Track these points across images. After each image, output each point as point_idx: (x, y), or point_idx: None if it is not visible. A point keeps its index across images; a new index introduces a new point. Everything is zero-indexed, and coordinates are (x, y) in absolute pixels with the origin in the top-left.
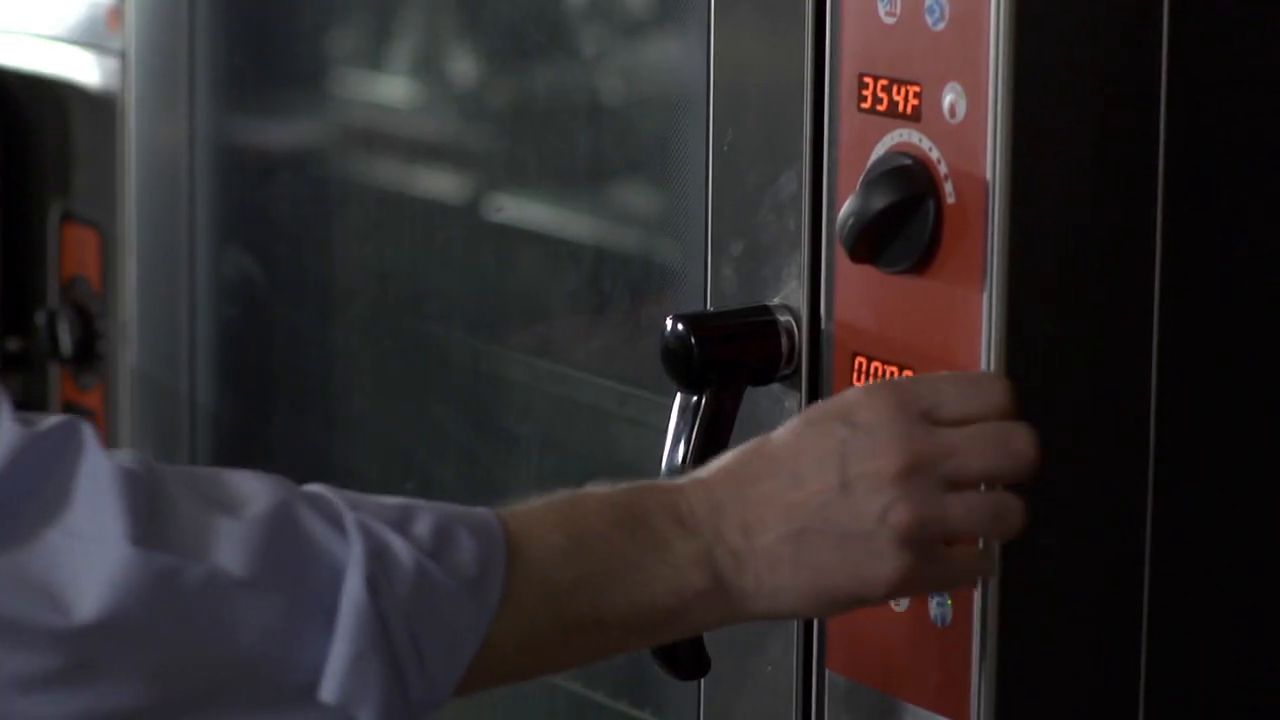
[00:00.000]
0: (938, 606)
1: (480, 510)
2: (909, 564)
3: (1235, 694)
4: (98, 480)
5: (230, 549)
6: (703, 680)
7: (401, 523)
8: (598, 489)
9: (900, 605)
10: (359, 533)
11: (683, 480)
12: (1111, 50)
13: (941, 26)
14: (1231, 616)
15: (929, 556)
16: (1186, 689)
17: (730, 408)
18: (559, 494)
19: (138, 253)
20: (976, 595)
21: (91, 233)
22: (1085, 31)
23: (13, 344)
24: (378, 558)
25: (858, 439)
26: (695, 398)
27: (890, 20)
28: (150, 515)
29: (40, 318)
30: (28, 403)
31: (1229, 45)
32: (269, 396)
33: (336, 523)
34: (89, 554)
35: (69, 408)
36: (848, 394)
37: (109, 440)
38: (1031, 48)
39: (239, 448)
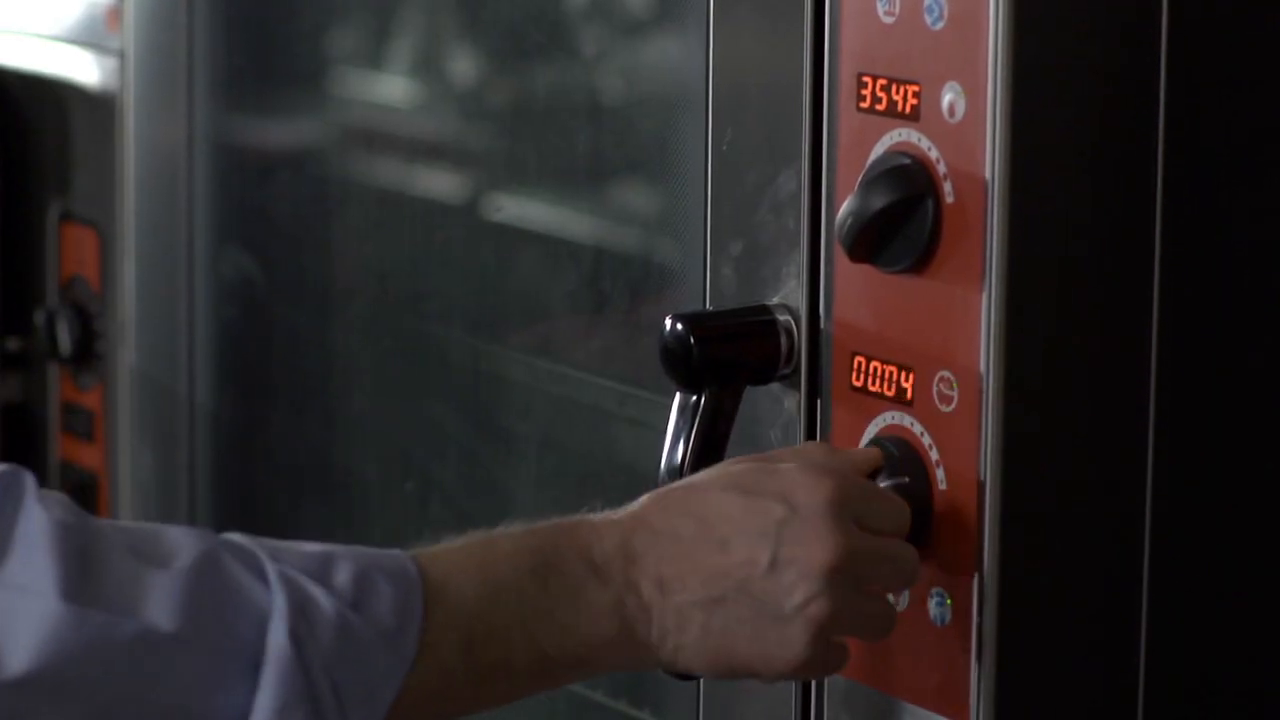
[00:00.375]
0: (937, 606)
1: (397, 556)
2: (813, 655)
3: (1235, 693)
4: (34, 533)
5: (159, 603)
6: (702, 680)
7: (322, 573)
8: (513, 531)
9: (900, 605)
10: (281, 584)
11: (599, 520)
12: (1111, 49)
13: (940, 26)
14: (1231, 616)
15: (827, 648)
16: (1185, 688)
17: (730, 407)
18: (475, 537)
19: (137, 252)
20: (975, 595)
21: (90, 232)
22: (1084, 31)
23: (12, 344)
24: (300, 610)
25: (795, 522)
26: (695, 397)
27: (889, 20)
28: (82, 570)
29: (39, 317)
30: (27, 403)
31: (1228, 44)
32: (268, 396)
33: (260, 574)
34: (22, 607)
35: (68, 408)
36: (792, 472)
37: (109, 440)
38: (1030, 47)
39: (238, 448)
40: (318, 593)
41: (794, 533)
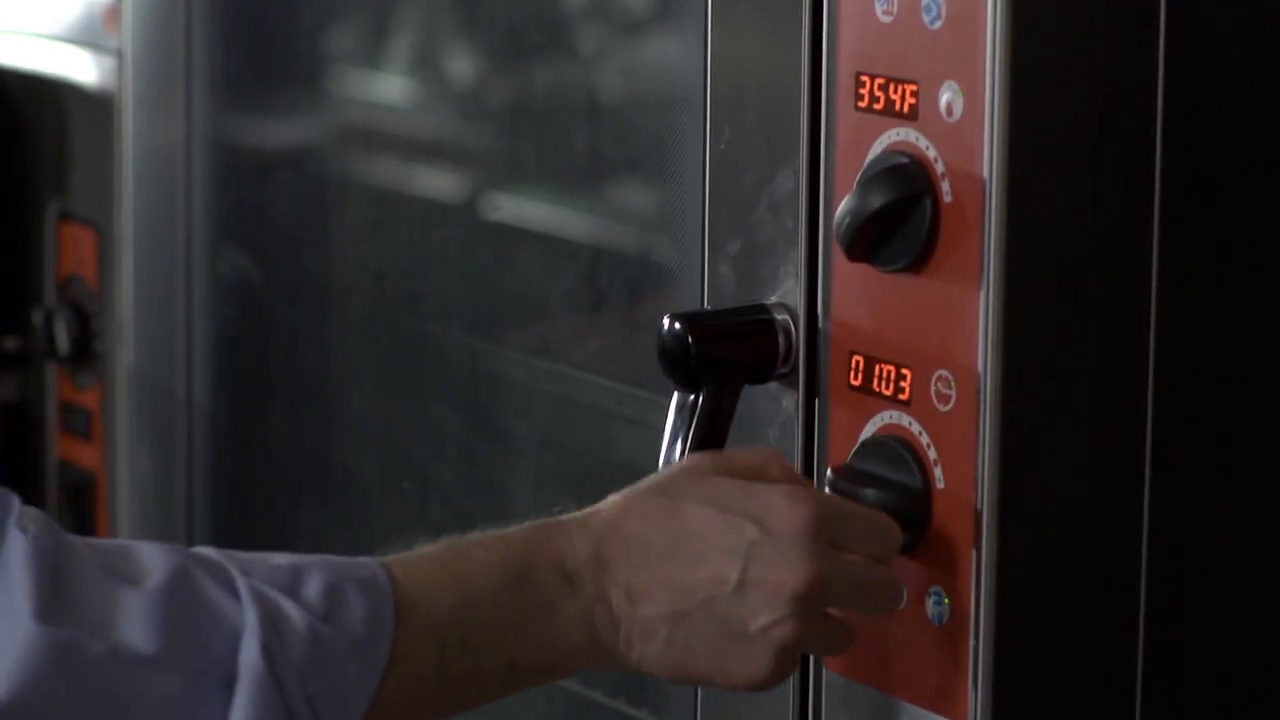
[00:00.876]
0: (935, 605)
1: (368, 565)
2: (774, 673)
3: (1232, 692)
4: (14, 558)
5: (132, 622)
6: None
7: (292, 587)
8: (487, 539)
9: (898, 604)
10: (253, 599)
11: (572, 524)
12: (1109, 48)
13: (938, 25)
14: (1228, 615)
15: (785, 666)
16: (1183, 687)
17: (728, 406)
18: (449, 544)
19: (135, 252)
20: (973, 594)
21: (88, 232)
22: (1083, 29)
23: (10, 343)
24: (272, 624)
25: (767, 545)
26: (692, 396)
27: (887, 19)
28: (56, 590)
29: (37, 317)
30: (25, 402)
31: (1226, 43)
32: (267, 396)
33: (231, 589)
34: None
35: (66, 407)
36: (770, 494)
37: (107, 439)
38: (1028, 46)
39: (236, 447)
40: (289, 606)
41: (764, 555)
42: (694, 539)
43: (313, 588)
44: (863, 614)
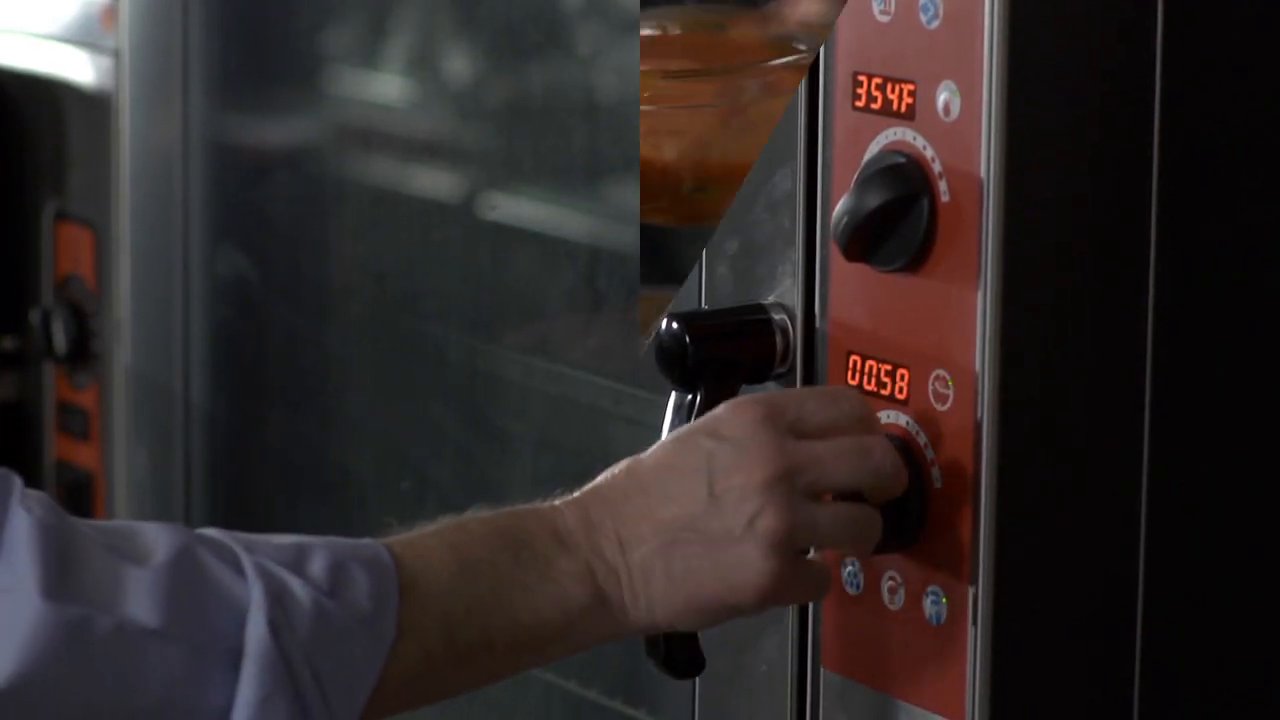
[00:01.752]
0: (933, 605)
1: (370, 543)
2: (777, 570)
3: (1230, 692)
4: (18, 535)
5: (139, 598)
6: (698, 679)
7: (297, 563)
8: (482, 514)
9: (895, 603)
10: (258, 576)
11: (557, 501)
12: (1106, 47)
13: (935, 24)
14: (1227, 614)
15: (795, 565)
16: (1181, 686)
17: None
18: (445, 521)
19: (132, 251)
20: (971, 593)
21: (86, 231)
22: (1080, 28)
23: (7, 343)
24: (278, 600)
25: (724, 452)
26: (690, 396)
27: (884, 18)
28: (62, 568)
29: (35, 316)
30: (23, 402)
31: (1224, 41)
32: (264, 396)
33: (236, 566)
34: (5, 609)
35: (63, 407)
36: (719, 409)
37: (104, 439)
38: (1025, 45)
39: (234, 447)
40: (294, 582)
41: (724, 462)
42: (661, 472)
43: (317, 565)
44: (862, 610)
